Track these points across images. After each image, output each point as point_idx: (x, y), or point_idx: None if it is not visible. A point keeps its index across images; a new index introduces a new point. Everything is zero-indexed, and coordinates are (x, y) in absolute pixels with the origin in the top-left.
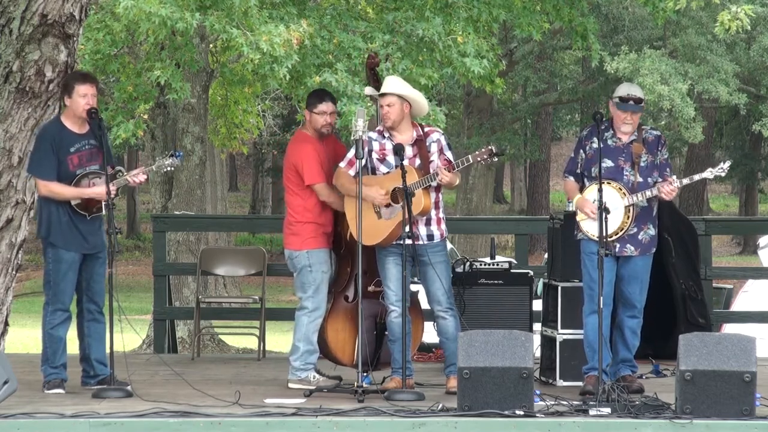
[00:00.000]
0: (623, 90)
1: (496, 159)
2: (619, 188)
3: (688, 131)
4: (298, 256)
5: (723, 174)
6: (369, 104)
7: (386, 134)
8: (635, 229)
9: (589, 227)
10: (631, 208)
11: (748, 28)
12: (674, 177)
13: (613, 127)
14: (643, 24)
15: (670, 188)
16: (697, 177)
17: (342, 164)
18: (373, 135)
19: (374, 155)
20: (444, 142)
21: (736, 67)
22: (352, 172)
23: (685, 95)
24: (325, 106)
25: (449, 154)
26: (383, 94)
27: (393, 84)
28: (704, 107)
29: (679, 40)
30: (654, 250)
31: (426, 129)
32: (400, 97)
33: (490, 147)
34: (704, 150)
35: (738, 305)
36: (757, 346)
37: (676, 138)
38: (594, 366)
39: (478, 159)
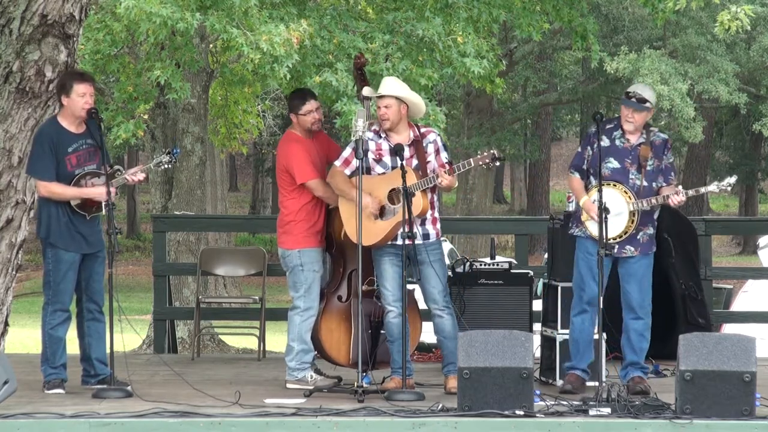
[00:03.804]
0: (631, 87)
1: (498, 163)
2: (625, 191)
3: (688, 131)
4: (290, 255)
5: (728, 189)
6: (360, 105)
7: (383, 134)
8: (634, 231)
9: (594, 229)
10: (636, 213)
11: (748, 28)
12: (680, 187)
13: (622, 126)
14: (642, 24)
15: (679, 200)
16: (703, 190)
17: (337, 163)
18: (370, 135)
19: (370, 155)
20: (440, 143)
21: (736, 67)
22: (348, 172)
23: (685, 95)
24: (309, 105)
25: (446, 155)
26: (381, 96)
27: (390, 85)
28: (704, 107)
29: (679, 40)
30: (654, 249)
31: (423, 130)
32: (397, 98)
33: (492, 151)
34: (704, 150)
35: (738, 305)
36: (757, 346)
37: (676, 138)
38: (575, 365)
39: (480, 163)
